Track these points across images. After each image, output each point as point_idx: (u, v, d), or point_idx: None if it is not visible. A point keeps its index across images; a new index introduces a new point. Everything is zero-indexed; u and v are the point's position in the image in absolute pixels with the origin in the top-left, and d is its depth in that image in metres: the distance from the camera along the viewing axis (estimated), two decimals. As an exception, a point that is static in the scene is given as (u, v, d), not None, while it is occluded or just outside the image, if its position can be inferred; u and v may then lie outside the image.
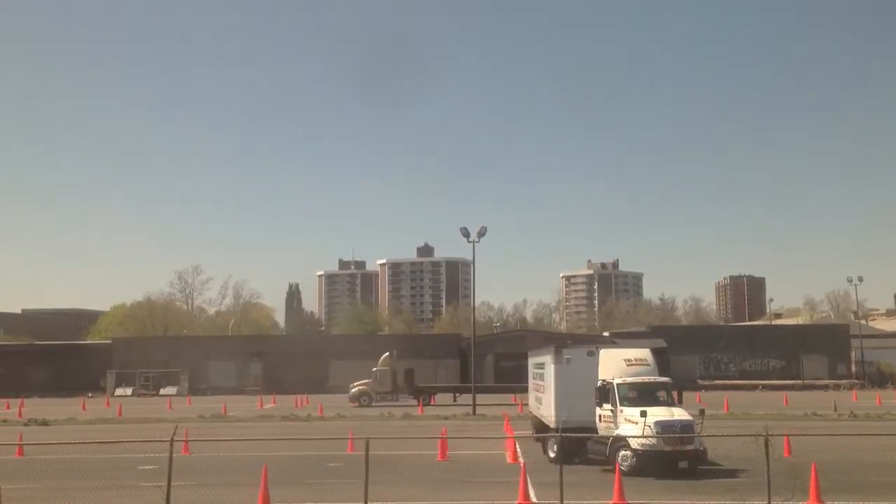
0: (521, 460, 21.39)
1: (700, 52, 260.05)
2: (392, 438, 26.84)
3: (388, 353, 51.03)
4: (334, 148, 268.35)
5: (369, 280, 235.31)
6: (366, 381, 50.74)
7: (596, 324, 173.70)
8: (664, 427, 18.45)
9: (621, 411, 19.61)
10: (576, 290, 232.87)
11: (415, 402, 49.01)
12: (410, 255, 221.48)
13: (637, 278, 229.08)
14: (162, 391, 63.26)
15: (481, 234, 39.63)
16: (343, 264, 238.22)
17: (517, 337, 68.71)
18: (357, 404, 48.81)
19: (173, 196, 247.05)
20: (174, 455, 13.39)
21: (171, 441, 13.41)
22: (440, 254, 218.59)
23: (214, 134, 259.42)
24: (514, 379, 59.83)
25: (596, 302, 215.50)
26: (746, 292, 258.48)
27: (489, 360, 63.85)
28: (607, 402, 20.12)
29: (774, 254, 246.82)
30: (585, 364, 21.62)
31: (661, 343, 62.58)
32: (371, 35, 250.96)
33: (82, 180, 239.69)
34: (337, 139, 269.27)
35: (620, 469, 18.99)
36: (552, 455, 21.50)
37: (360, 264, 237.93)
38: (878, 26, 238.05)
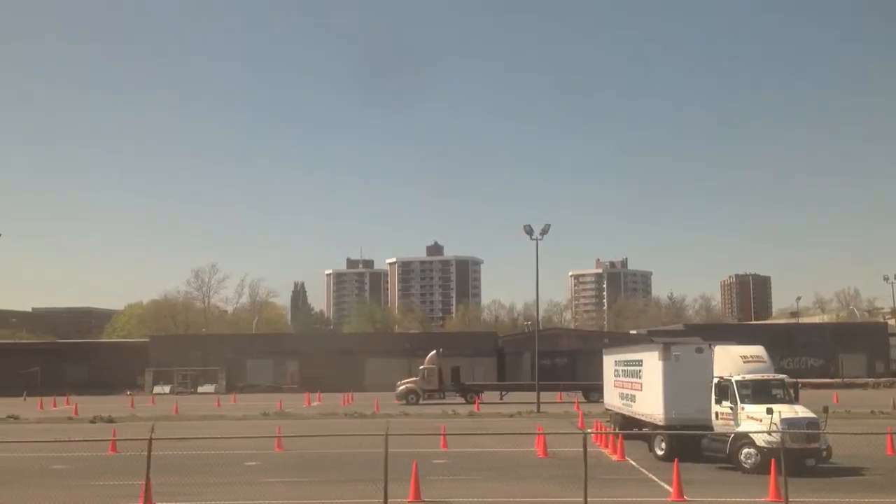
0: (628, 458, 21.58)
1: (705, 49, 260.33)
2: (479, 434, 27.04)
3: (434, 352, 51.19)
4: (339, 147, 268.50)
5: (377, 279, 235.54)
6: (412, 379, 50.95)
7: (605, 322, 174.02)
8: (791, 424, 18.51)
9: (742, 408, 19.73)
10: (585, 289, 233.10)
11: (461, 401, 49.27)
12: (416, 254, 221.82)
13: (646, 277, 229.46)
14: (200, 389, 63.45)
15: (544, 231, 39.78)
16: (351, 263, 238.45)
17: (552, 336, 68.96)
18: (404, 402, 48.95)
19: (180, 196, 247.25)
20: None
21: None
22: (448, 252, 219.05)
23: (221, 134, 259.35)
24: (549, 377, 60.17)
25: (605, 301, 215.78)
26: (752, 291, 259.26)
27: (525, 358, 64.06)
28: (726, 399, 20.24)
29: (777, 253, 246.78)
30: (694, 361, 21.76)
31: (698, 341, 62.92)
32: (374, 34, 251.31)
33: (85, 180, 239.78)
34: (343, 139, 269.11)
35: (744, 466, 19.19)
36: (660, 453, 21.64)
37: (368, 263, 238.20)
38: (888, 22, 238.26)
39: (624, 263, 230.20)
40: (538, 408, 39.57)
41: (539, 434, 23.43)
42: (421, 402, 48.91)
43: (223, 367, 64.71)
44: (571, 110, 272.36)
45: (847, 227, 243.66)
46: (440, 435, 25.12)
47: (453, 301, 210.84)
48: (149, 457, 13.87)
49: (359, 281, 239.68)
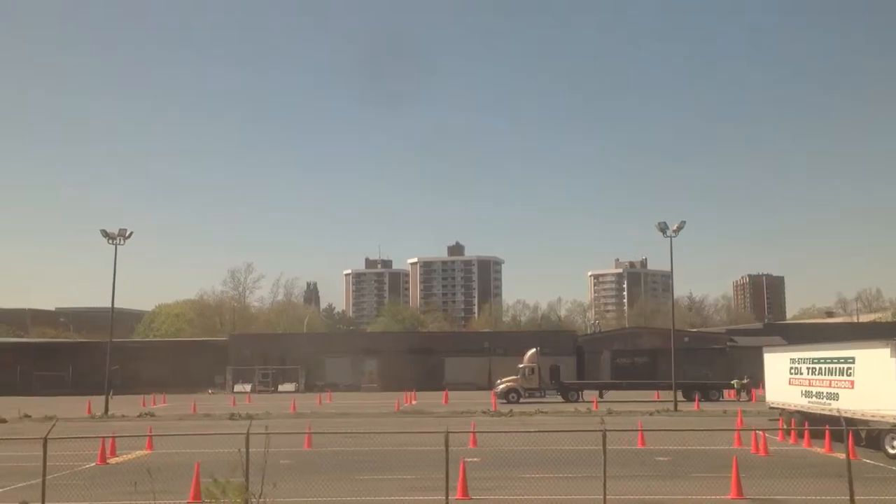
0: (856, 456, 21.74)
1: (710, 48, 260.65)
2: (675, 431, 27.10)
3: (534, 350, 51.32)
4: (352, 149, 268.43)
5: (396, 279, 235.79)
6: (512, 377, 51.03)
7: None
8: None
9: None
10: (605, 289, 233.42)
11: (560, 399, 49.43)
12: (434, 253, 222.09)
13: (666, 277, 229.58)
14: (280, 388, 63.54)
15: (679, 228, 39.92)
16: (370, 263, 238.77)
17: (633, 334, 69.11)
18: (505, 401, 49.08)
19: (198, 197, 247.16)
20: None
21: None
22: (458, 252, 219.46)
23: (229, 135, 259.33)
24: (629, 375, 60.47)
25: (626, 301, 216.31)
26: (766, 291, 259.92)
27: (605, 357, 64.26)
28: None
29: (786, 254, 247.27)
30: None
31: (780, 341, 63.03)
32: (383, 33, 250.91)
33: (84, 179, 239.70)
34: (346, 140, 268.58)
35: None
36: (892, 451, 21.83)
37: (387, 263, 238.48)
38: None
39: (644, 263, 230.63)
40: (675, 406, 39.69)
41: (746, 431, 23.72)
42: (521, 400, 49.00)
43: (302, 366, 64.80)
44: (581, 111, 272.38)
45: (858, 228, 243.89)
46: (637, 431, 25.32)
47: (475, 301, 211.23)
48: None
49: (378, 281, 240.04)
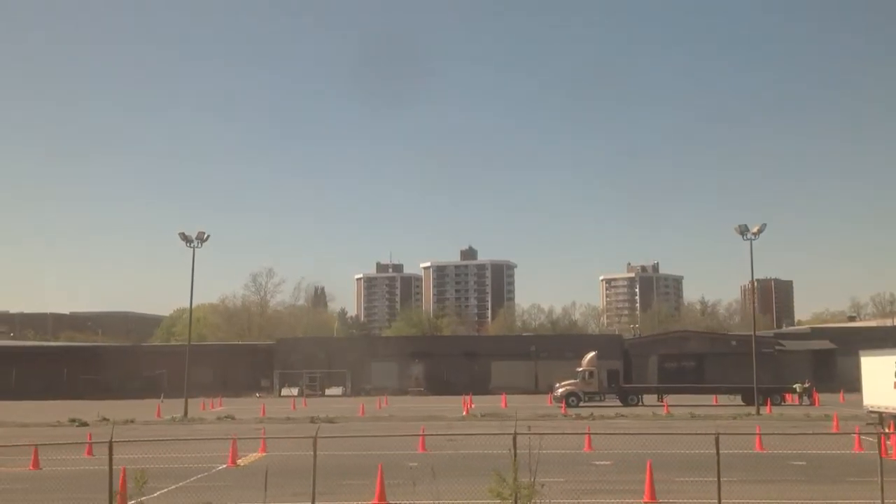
0: None
1: (717, 48, 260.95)
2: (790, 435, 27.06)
3: (593, 353, 51.39)
4: (359, 153, 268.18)
5: (408, 283, 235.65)
6: (571, 381, 51.09)
7: (636, 326, 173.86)
8: None
9: None
10: (617, 293, 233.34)
11: (619, 403, 49.46)
12: (443, 257, 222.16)
13: (677, 281, 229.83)
14: (327, 392, 63.60)
15: (760, 231, 39.93)
16: (381, 267, 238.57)
17: (680, 338, 69.09)
18: (563, 404, 49.10)
19: (208, 202, 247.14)
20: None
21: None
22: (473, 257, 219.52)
23: (234, 138, 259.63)
24: (676, 379, 60.40)
25: (638, 305, 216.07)
26: (775, 295, 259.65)
27: (653, 361, 64.30)
28: None
29: (794, 258, 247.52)
30: None
31: (828, 345, 63.25)
32: (388, 37, 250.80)
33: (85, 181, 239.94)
34: (351, 144, 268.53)
35: None
36: None
37: (398, 267, 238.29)
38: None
39: (655, 268, 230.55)
40: (758, 410, 39.72)
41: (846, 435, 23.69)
42: (581, 404, 49.02)
43: (348, 370, 64.87)
44: (585, 113, 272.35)
45: (864, 232, 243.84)
46: (754, 435, 25.33)
47: (489, 305, 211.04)
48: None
49: (389, 285, 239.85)
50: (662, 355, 64.39)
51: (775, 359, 62.10)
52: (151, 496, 17.48)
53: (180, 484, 19.55)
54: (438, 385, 62.63)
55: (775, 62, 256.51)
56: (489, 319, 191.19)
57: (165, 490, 18.47)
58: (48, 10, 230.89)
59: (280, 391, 63.57)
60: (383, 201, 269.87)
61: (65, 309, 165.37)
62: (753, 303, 51.68)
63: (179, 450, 25.17)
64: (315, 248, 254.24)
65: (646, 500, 15.77)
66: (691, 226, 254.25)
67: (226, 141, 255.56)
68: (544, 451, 22.17)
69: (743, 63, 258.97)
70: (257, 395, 62.23)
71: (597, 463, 22.39)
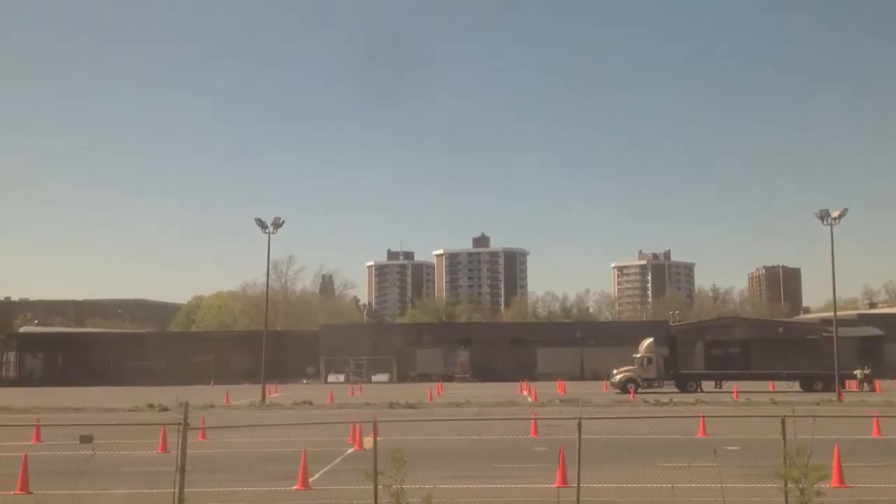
0: None
1: (740, 40, 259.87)
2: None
3: (651, 340, 51.43)
4: (367, 143, 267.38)
5: (419, 270, 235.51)
6: (628, 367, 51.16)
7: (645, 314, 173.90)
8: None
9: None
10: (628, 281, 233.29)
11: (676, 390, 49.55)
12: (453, 245, 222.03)
13: (689, 269, 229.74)
14: (374, 378, 63.60)
15: (841, 215, 39.56)
16: (392, 255, 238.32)
17: (727, 325, 68.81)
18: (620, 391, 49.24)
19: (216, 189, 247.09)
20: None
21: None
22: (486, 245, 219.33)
23: (244, 129, 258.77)
24: (722, 366, 60.29)
25: (650, 293, 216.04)
26: (783, 283, 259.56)
27: (699, 347, 64.06)
28: None
29: (794, 246, 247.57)
30: None
31: (875, 331, 63.23)
32: (396, 29, 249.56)
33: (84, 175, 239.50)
34: (363, 133, 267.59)
35: None
36: None
37: (409, 255, 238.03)
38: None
39: (667, 255, 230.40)
40: (839, 395, 39.72)
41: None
42: (639, 390, 49.08)
43: (394, 357, 64.90)
44: (598, 104, 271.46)
45: (869, 222, 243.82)
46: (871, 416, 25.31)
47: (501, 293, 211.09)
48: None
49: (400, 273, 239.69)
50: (708, 341, 64.12)
51: (822, 345, 61.93)
52: (314, 477, 17.51)
53: (329, 467, 19.55)
54: (484, 372, 62.66)
55: (793, 54, 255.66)
56: (502, 307, 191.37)
57: (322, 472, 18.49)
58: (52, 9, 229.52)
59: (326, 378, 63.59)
60: (393, 190, 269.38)
61: (69, 296, 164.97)
62: (833, 287, 51.06)
63: (292, 434, 25.19)
64: (326, 237, 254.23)
65: (834, 486, 15.72)
66: (700, 214, 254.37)
67: (235, 130, 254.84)
68: (656, 437, 22.16)
69: (750, 51, 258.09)
70: (304, 381, 62.27)
71: (726, 448, 22.33)
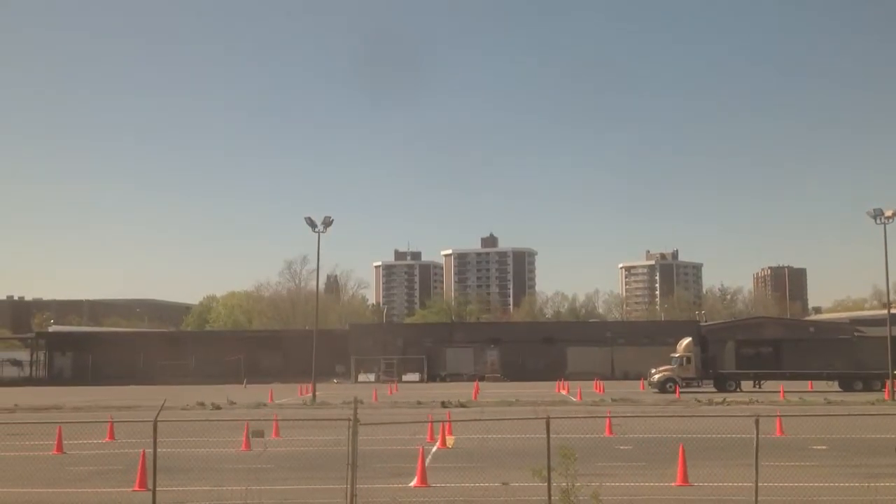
0: None
1: (747, 38, 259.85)
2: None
3: (689, 339, 51.40)
4: (370, 141, 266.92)
5: (427, 270, 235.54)
6: (667, 367, 51.09)
7: (663, 314, 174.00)
8: None
9: None
10: (636, 281, 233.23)
11: (714, 389, 49.49)
12: (459, 245, 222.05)
13: (697, 269, 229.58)
14: (404, 377, 63.46)
15: (896, 214, 39.21)
16: (399, 255, 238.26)
17: (757, 324, 69.02)
18: (658, 391, 49.15)
19: (223, 192, 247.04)
20: None
21: None
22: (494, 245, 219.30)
23: (251, 130, 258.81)
24: (753, 365, 60.22)
25: (658, 293, 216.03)
26: (788, 284, 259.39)
27: (730, 346, 64.02)
28: None
29: (810, 246, 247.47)
30: None
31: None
32: (400, 28, 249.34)
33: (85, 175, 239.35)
34: (369, 134, 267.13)
35: None
36: None
37: (416, 255, 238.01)
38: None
39: (675, 255, 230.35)
40: (892, 395, 39.63)
41: None
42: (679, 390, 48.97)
43: (424, 356, 64.78)
44: (604, 103, 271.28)
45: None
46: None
47: (510, 293, 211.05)
48: None
49: (408, 273, 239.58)
50: (739, 341, 64.11)
51: (854, 345, 61.94)
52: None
53: (426, 464, 19.41)
54: (514, 371, 62.59)
55: (801, 52, 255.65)
56: (511, 307, 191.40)
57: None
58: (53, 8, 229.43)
59: (356, 377, 63.47)
60: (400, 191, 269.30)
61: (72, 296, 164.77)
62: (888, 286, 50.95)
63: (367, 432, 24.98)
64: (333, 237, 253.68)
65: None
66: (706, 213, 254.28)
67: (239, 131, 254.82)
68: (737, 436, 21.87)
69: (759, 49, 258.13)
70: (334, 381, 62.15)
71: (814, 447, 22.26)
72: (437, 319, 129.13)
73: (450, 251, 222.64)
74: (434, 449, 22.47)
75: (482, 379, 63.56)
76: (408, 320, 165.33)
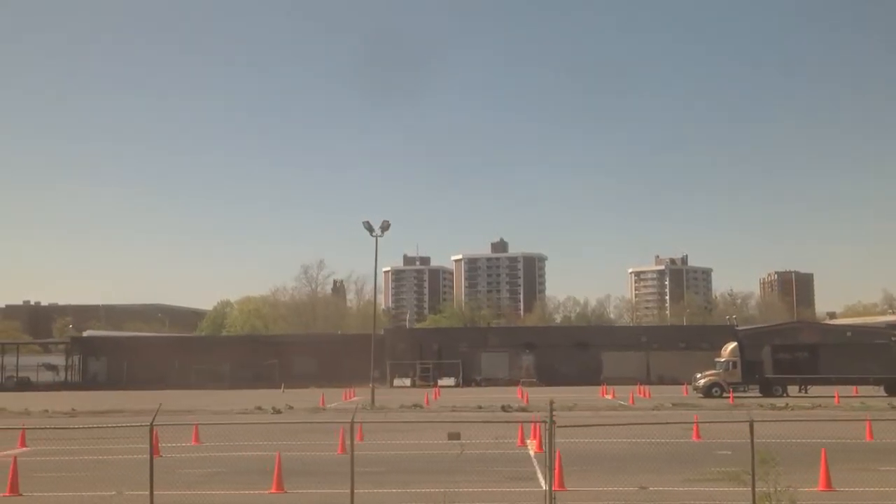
0: None
1: (752, 43, 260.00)
2: None
3: (735, 344, 51.29)
4: (376, 145, 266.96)
5: (436, 275, 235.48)
6: (712, 371, 50.99)
7: (668, 319, 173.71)
8: None
9: None
10: (646, 286, 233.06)
11: (759, 394, 49.37)
12: (470, 251, 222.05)
13: (706, 273, 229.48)
14: (440, 382, 63.28)
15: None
16: (408, 260, 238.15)
17: (793, 329, 68.75)
18: (702, 395, 49.02)
19: (230, 195, 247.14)
20: None
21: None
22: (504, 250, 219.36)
23: (255, 134, 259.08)
24: (790, 370, 60.04)
25: (668, 297, 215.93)
26: (795, 289, 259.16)
27: (766, 351, 63.86)
28: None
29: (818, 251, 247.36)
30: None
31: (946, 335, 62.83)
32: (403, 32, 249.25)
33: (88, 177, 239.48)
34: (370, 138, 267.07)
35: None
36: None
37: (425, 260, 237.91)
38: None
39: (685, 260, 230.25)
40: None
41: None
42: (723, 394, 48.87)
43: (460, 361, 64.62)
44: (607, 106, 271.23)
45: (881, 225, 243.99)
46: None
47: (521, 297, 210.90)
48: None
49: (417, 278, 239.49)
50: (776, 346, 63.97)
51: (890, 349, 61.73)
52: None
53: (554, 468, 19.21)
54: (548, 376, 62.40)
55: (808, 56, 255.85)
56: (521, 312, 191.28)
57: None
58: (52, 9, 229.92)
59: (392, 382, 63.29)
60: (407, 195, 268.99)
61: (85, 301, 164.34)
62: None
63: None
64: (341, 242, 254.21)
65: None
66: (713, 218, 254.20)
67: (243, 133, 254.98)
68: (835, 441, 21.55)
69: (760, 53, 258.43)
70: (370, 385, 61.75)
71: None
72: (448, 324, 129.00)
73: (460, 256, 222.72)
74: (532, 453, 22.26)
75: (517, 383, 63.41)
76: (419, 325, 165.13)
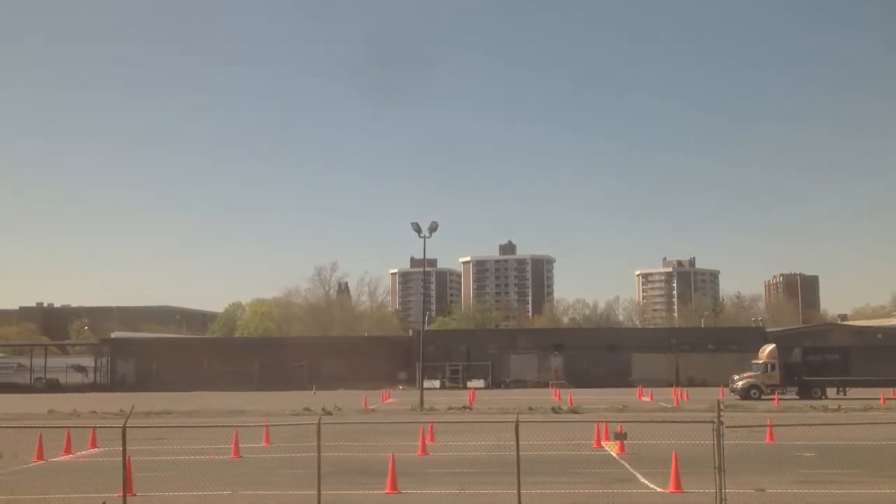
0: None
1: (757, 45, 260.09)
2: None
3: (773, 346, 51.19)
4: (382, 148, 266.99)
5: (443, 277, 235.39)
6: (750, 373, 50.88)
7: (677, 321, 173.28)
8: None
9: None
10: (653, 288, 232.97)
11: (797, 396, 49.22)
12: (478, 253, 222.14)
13: (714, 276, 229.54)
14: (469, 384, 63.07)
15: None
16: (415, 262, 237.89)
17: (823, 331, 68.73)
18: (740, 398, 48.88)
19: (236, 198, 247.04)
20: None
21: None
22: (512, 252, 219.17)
23: (261, 136, 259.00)
24: (821, 373, 59.88)
25: (675, 299, 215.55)
26: (801, 291, 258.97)
27: (796, 353, 63.69)
28: None
29: (823, 253, 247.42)
30: None
31: None
32: (404, 35, 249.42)
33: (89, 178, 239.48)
34: (372, 140, 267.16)
35: None
36: None
37: (432, 262, 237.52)
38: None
39: (692, 262, 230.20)
40: None
41: None
42: (762, 397, 48.77)
43: (489, 362, 64.44)
44: (608, 110, 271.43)
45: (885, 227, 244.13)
46: None
47: (529, 300, 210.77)
48: None
49: (425, 280, 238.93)
50: (806, 348, 63.81)
51: (918, 352, 61.55)
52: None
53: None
54: (577, 377, 62.23)
55: (811, 58, 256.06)
56: (530, 314, 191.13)
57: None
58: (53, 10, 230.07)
59: (421, 383, 62.86)
60: (414, 197, 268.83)
61: (96, 302, 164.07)
62: None
63: (533, 436, 24.58)
64: (348, 244, 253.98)
65: None
66: (720, 220, 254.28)
67: (246, 136, 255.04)
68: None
69: (764, 54, 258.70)
70: (400, 387, 61.78)
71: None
72: (458, 326, 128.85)
73: (468, 258, 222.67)
74: (615, 454, 22.07)
75: (546, 385, 63.21)
76: (430, 327, 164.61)
